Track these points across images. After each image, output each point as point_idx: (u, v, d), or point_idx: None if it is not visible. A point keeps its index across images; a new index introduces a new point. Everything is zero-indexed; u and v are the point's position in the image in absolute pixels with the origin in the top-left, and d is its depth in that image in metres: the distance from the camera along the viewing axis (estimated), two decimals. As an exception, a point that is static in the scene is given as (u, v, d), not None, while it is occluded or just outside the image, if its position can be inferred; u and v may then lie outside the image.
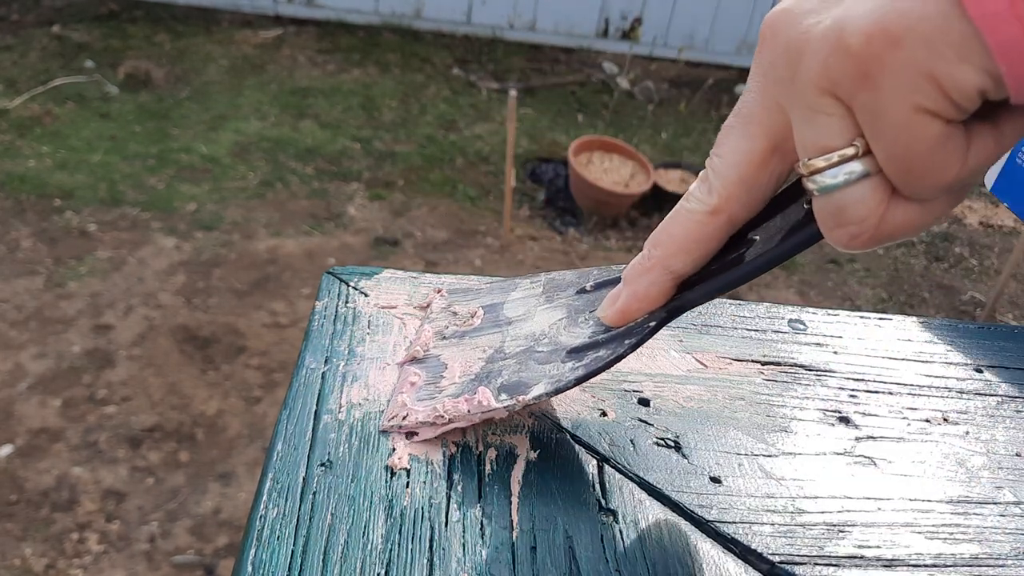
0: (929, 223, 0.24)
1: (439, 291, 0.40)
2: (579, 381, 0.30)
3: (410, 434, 0.32)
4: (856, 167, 0.22)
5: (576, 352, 0.31)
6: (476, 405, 0.31)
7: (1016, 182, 0.41)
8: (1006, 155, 0.41)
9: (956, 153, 0.21)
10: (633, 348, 0.29)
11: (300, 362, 0.35)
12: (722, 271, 0.28)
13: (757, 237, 0.27)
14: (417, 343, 0.36)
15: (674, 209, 0.28)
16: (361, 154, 2.88)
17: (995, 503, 0.33)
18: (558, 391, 0.30)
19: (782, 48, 0.23)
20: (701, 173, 0.27)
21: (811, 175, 0.23)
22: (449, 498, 0.30)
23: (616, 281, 0.31)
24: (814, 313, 0.44)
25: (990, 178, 0.43)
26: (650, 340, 0.40)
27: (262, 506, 0.28)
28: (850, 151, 0.22)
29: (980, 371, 0.42)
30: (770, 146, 0.25)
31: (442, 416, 0.31)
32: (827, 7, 0.22)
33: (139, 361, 1.87)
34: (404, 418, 0.32)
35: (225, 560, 1.46)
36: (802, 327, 0.43)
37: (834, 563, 0.29)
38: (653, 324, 0.29)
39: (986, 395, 0.40)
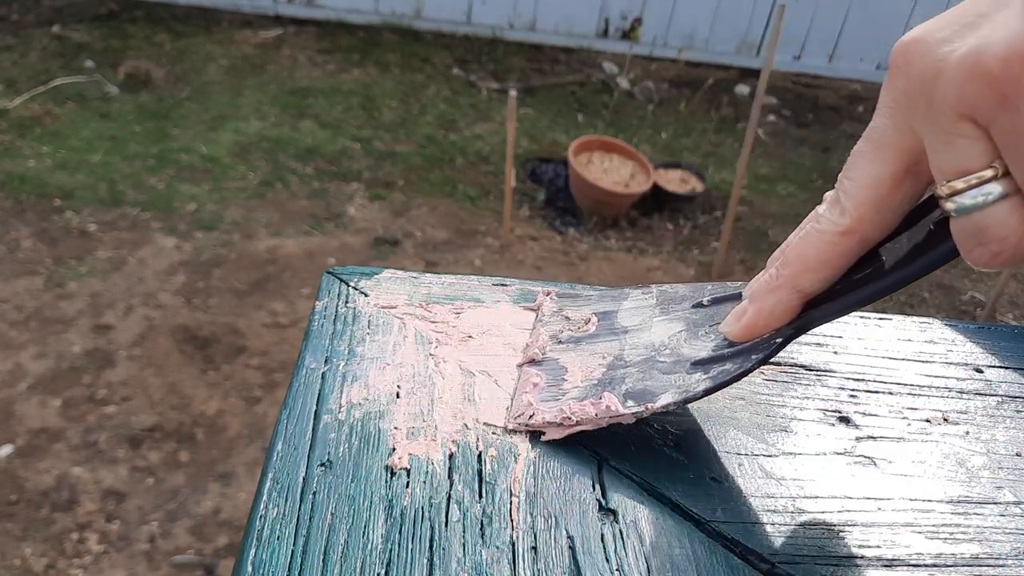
0: None
1: (548, 293, 0.41)
2: (707, 393, 0.30)
3: (536, 433, 0.33)
4: (995, 188, 0.23)
5: (702, 364, 0.31)
6: (604, 409, 0.31)
7: None
8: None
9: None
10: (760, 363, 0.30)
11: (300, 362, 0.35)
12: (849, 290, 0.28)
13: (884, 257, 0.28)
14: (535, 345, 0.37)
15: (804, 230, 0.29)
16: (361, 154, 2.88)
17: (995, 503, 0.33)
18: (686, 401, 0.30)
19: (917, 75, 0.24)
20: (830, 195, 0.28)
21: (950, 196, 0.24)
22: (449, 498, 0.30)
23: (734, 298, 0.33)
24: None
25: None
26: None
27: (262, 506, 0.28)
28: (988, 173, 0.23)
29: (980, 371, 0.42)
30: (903, 169, 0.26)
31: (569, 418, 0.32)
32: (961, 35, 0.23)
33: (139, 361, 1.87)
34: (531, 417, 0.33)
35: (225, 560, 1.46)
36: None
37: (834, 563, 0.29)
38: (780, 340, 0.30)
39: (986, 395, 0.40)
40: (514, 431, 0.33)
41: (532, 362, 0.36)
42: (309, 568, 0.26)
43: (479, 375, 0.36)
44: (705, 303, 0.34)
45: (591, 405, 0.32)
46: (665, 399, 0.31)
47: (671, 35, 3.97)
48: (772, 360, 0.40)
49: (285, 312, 2.08)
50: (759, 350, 0.30)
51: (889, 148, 0.26)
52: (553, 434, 0.32)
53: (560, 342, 0.37)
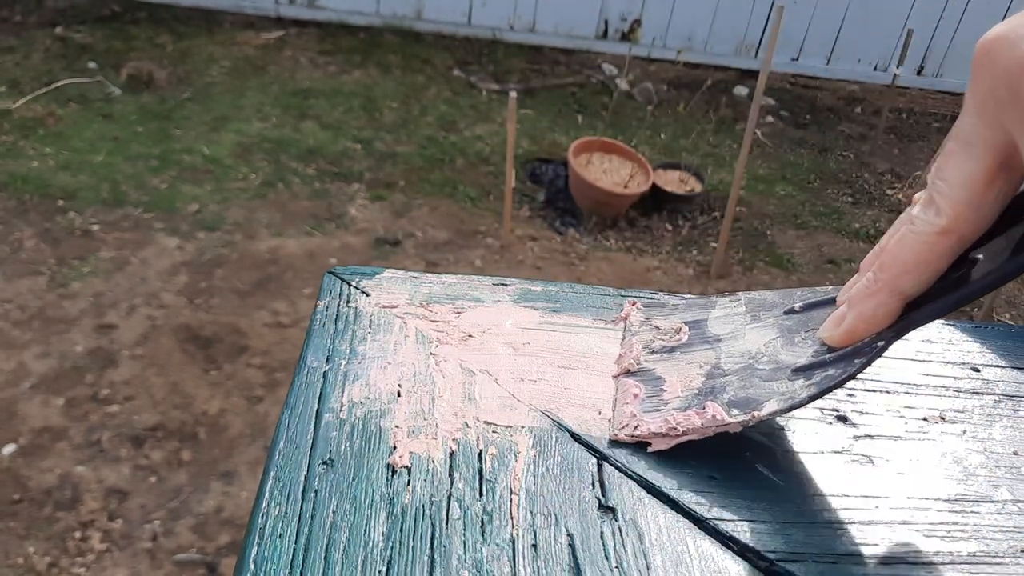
0: None
1: (634, 304, 0.41)
2: (812, 399, 0.30)
3: (641, 444, 0.33)
4: None
5: (803, 371, 0.31)
6: (710, 419, 0.31)
7: None
8: None
9: None
10: (863, 367, 0.29)
11: (302, 361, 0.36)
12: (948, 291, 0.28)
13: (980, 256, 0.28)
14: (629, 356, 0.37)
15: (899, 233, 0.29)
16: (362, 155, 2.88)
17: (992, 501, 0.33)
18: (792, 408, 0.30)
19: (1002, 72, 0.25)
20: (922, 196, 0.28)
21: None
22: (450, 496, 0.30)
23: (827, 303, 0.33)
24: (813, 313, 0.44)
25: None
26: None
27: (264, 504, 0.29)
28: None
29: (977, 370, 0.42)
30: (996, 165, 0.26)
31: (675, 428, 0.32)
32: None
33: (142, 361, 1.87)
34: (635, 428, 0.33)
35: (227, 558, 1.46)
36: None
37: (832, 561, 0.30)
38: (882, 344, 0.29)
39: (983, 394, 0.40)
40: (617, 442, 0.33)
41: (628, 373, 0.36)
42: (311, 566, 0.27)
43: (479, 374, 0.36)
44: (797, 309, 0.34)
45: (696, 415, 0.32)
46: (770, 407, 0.30)
47: (670, 36, 3.97)
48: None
49: (287, 312, 2.08)
50: (861, 354, 0.30)
51: (979, 145, 0.26)
52: (659, 444, 0.32)
53: (653, 352, 0.37)
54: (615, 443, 0.33)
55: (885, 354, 0.42)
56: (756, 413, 0.30)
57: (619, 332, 0.40)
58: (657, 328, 0.38)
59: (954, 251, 0.28)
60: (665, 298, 0.41)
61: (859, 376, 0.40)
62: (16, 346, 1.86)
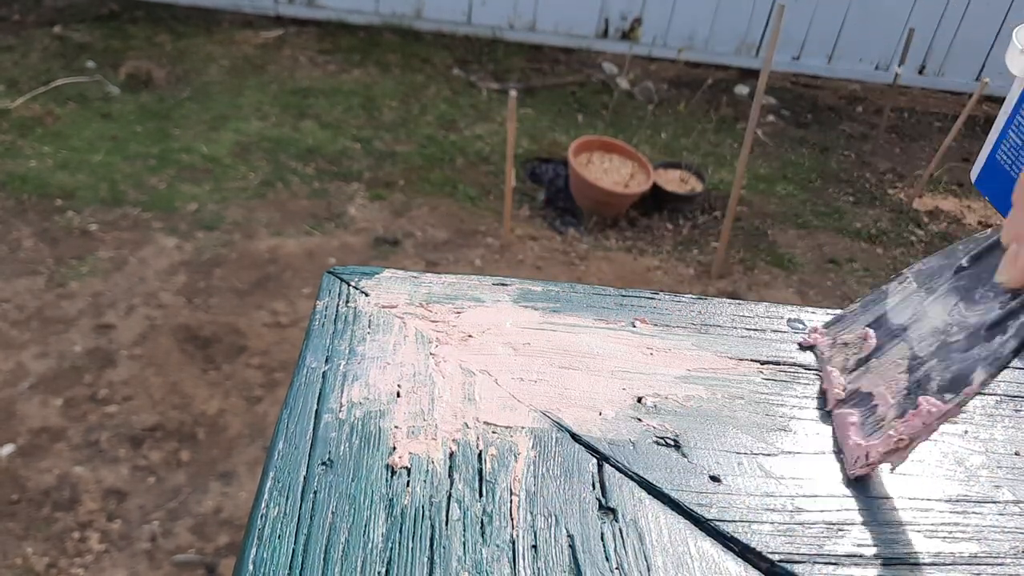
0: None
1: (816, 330, 0.41)
2: (1015, 352, 0.29)
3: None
4: None
5: (996, 326, 0.30)
6: (927, 415, 0.31)
7: (996, 177, 0.41)
8: (988, 149, 0.42)
9: None
10: None
11: (301, 361, 0.35)
12: None
13: None
14: (834, 386, 0.36)
15: None
16: (361, 154, 2.88)
17: (994, 502, 0.33)
18: (1000, 368, 0.30)
19: None
20: None
21: None
22: (450, 497, 0.30)
23: (993, 247, 0.32)
24: (813, 313, 0.44)
25: (975, 172, 0.43)
26: (650, 339, 0.40)
27: (263, 505, 0.29)
28: None
29: (979, 370, 0.42)
30: None
31: (902, 439, 0.31)
32: None
33: (140, 361, 1.87)
34: (867, 457, 0.32)
35: (226, 559, 1.46)
36: (801, 327, 0.43)
37: (833, 562, 0.29)
38: None
39: (984, 394, 0.40)
40: (513, 431, 0.33)
41: (838, 403, 0.36)
42: (310, 567, 0.26)
43: (479, 374, 0.36)
44: (965, 265, 0.33)
45: (913, 417, 0.31)
46: (979, 376, 0.30)
47: (671, 35, 3.97)
48: (772, 360, 0.40)
49: (286, 312, 2.08)
50: None
51: None
52: (896, 461, 0.32)
53: (851, 371, 0.36)
54: (611, 444, 0.33)
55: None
56: (968, 389, 0.30)
57: (619, 331, 0.40)
58: (845, 344, 0.38)
59: None
60: (841, 311, 0.41)
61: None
62: (14, 346, 1.86)
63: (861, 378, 0.35)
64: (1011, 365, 0.42)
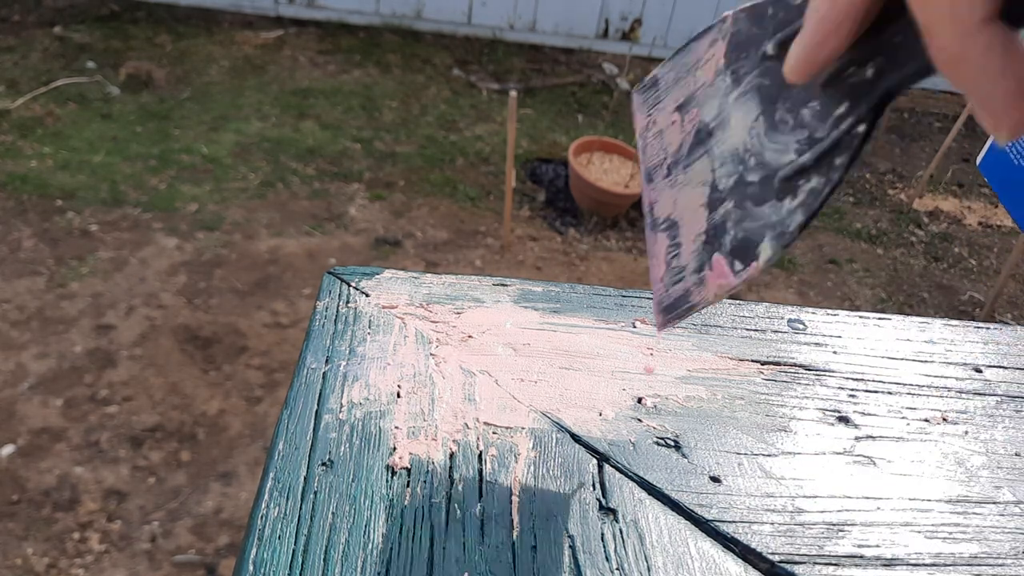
0: None
1: (641, 89, 0.33)
2: (802, 228, 0.25)
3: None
4: None
5: (788, 182, 0.26)
6: (717, 288, 0.27)
7: (997, 160, 0.41)
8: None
9: None
10: (846, 168, 0.24)
11: (301, 362, 0.35)
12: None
13: None
14: (647, 199, 0.32)
15: None
16: (362, 154, 2.88)
17: (994, 502, 0.33)
18: (786, 247, 0.25)
19: None
20: None
21: None
22: (449, 497, 0.30)
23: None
24: (813, 313, 0.44)
25: (980, 155, 0.43)
26: (650, 340, 0.39)
27: (263, 505, 0.29)
28: None
29: (979, 371, 0.42)
30: None
31: (696, 304, 0.28)
32: None
33: (140, 361, 1.87)
34: (661, 308, 0.30)
35: (226, 559, 1.46)
36: (802, 327, 0.43)
37: (834, 562, 0.29)
38: (861, 130, 0.24)
39: (985, 395, 0.40)
40: (513, 432, 0.33)
41: (652, 222, 0.31)
42: (310, 567, 0.26)
43: (479, 375, 0.36)
44: (770, 52, 0.26)
45: (709, 280, 0.28)
46: (766, 252, 0.26)
47: (671, 36, 3.97)
48: (771, 360, 0.40)
49: (286, 312, 2.08)
50: (841, 149, 0.24)
51: None
52: (673, 322, 0.29)
53: (660, 177, 0.31)
54: (611, 444, 0.33)
55: (886, 354, 0.42)
56: (755, 263, 0.26)
57: (620, 332, 0.40)
58: (660, 133, 0.31)
59: None
60: (656, 71, 0.33)
61: (861, 377, 0.40)
62: (15, 346, 1.86)
63: (667, 191, 0.31)
64: (1009, 365, 0.42)
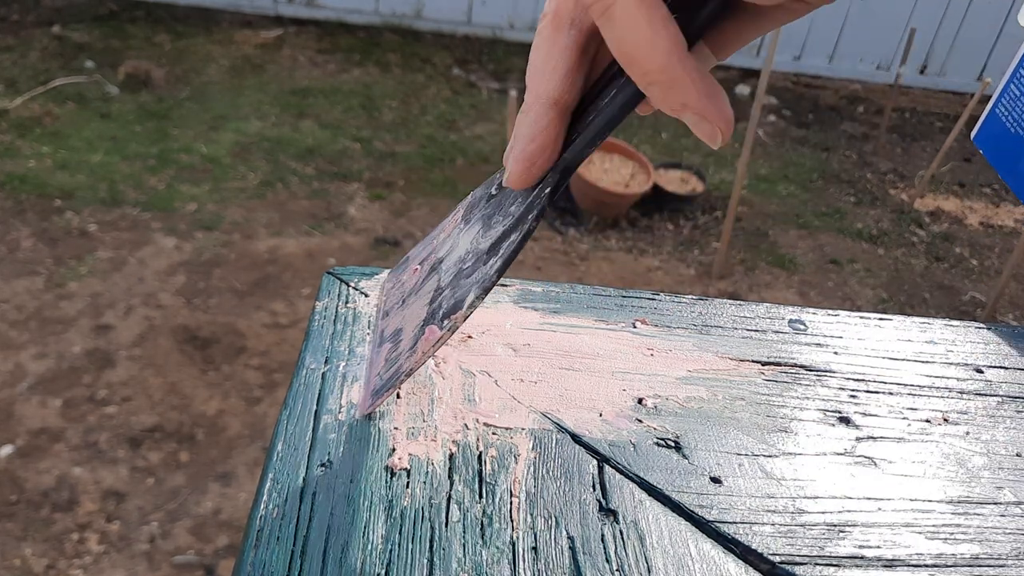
0: None
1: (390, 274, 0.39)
2: (500, 273, 0.29)
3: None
4: None
5: (493, 249, 0.30)
6: (424, 343, 0.30)
7: (993, 132, 0.41)
8: (990, 106, 0.41)
9: None
10: (538, 219, 0.29)
11: (300, 362, 0.35)
12: (595, 119, 0.28)
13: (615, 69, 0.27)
14: (379, 328, 0.35)
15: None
16: (361, 154, 2.88)
17: (996, 503, 0.33)
18: (486, 291, 0.29)
19: None
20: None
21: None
22: (449, 498, 0.30)
23: None
24: (814, 313, 0.44)
25: (975, 129, 0.43)
26: (651, 340, 0.39)
27: (262, 506, 0.28)
28: None
29: (980, 371, 0.42)
30: None
31: (398, 374, 0.31)
32: None
33: (139, 361, 1.87)
34: (375, 394, 0.32)
35: (225, 560, 1.46)
36: (802, 327, 0.43)
37: (835, 563, 0.29)
38: (548, 190, 0.29)
39: (986, 395, 0.40)
40: (513, 432, 0.33)
41: (381, 343, 0.34)
42: (309, 569, 0.26)
43: (479, 375, 0.36)
44: (494, 192, 0.32)
45: (419, 346, 0.31)
46: (469, 298, 0.29)
47: (671, 35, 3.97)
48: (773, 360, 0.40)
49: (285, 312, 2.08)
50: (532, 208, 0.29)
51: None
52: (384, 398, 0.32)
53: (387, 314, 0.35)
54: (611, 445, 0.33)
55: (887, 354, 0.42)
56: (459, 313, 0.29)
57: (620, 332, 0.40)
58: (403, 284, 0.36)
59: (574, 40, 0.27)
60: (410, 251, 0.38)
61: (862, 377, 0.39)
62: (13, 347, 1.86)
63: (398, 314, 0.34)
64: (1010, 366, 0.42)
